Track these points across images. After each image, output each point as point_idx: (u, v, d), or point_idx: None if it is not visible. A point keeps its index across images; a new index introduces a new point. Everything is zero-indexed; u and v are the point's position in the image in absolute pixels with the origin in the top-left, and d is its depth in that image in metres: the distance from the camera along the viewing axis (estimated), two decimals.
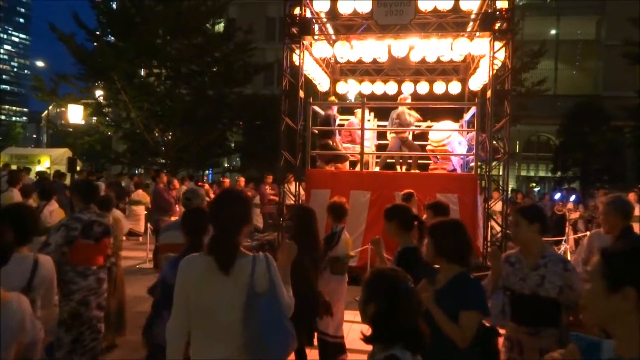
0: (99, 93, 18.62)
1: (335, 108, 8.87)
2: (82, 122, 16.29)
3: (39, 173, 15.44)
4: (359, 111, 8.62)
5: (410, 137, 9.02)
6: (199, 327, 2.10)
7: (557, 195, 11.88)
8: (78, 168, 14.45)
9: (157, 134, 17.77)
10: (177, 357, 2.15)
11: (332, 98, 9.61)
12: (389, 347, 1.76)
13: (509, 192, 10.96)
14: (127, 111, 16.89)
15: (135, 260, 9.40)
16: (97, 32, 18.04)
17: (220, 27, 20.55)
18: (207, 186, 11.38)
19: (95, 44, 18.00)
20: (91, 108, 17.42)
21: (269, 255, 2.13)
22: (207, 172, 24.72)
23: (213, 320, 2.06)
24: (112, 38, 18.28)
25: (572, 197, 11.05)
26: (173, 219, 9.73)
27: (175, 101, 17.18)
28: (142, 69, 18.03)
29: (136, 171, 21.29)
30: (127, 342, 5.00)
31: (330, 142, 8.45)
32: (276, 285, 2.07)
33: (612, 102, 20.43)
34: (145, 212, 10.96)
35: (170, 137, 18.04)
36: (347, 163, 8.78)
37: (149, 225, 9.96)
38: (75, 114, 14.85)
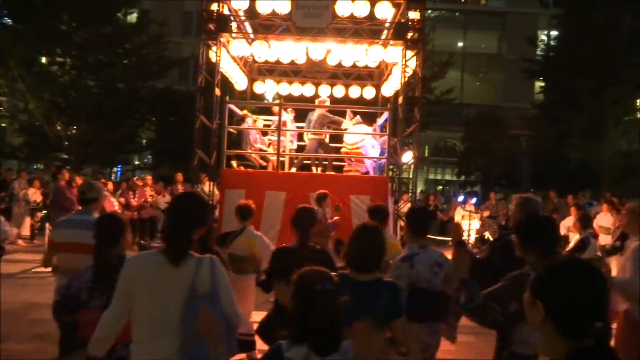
0: None
1: (249, 120, 8.82)
2: None
3: None
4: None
5: (327, 140, 9.17)
6: (143, 325, 2.13)
7: (460, 198, 12.69)
8: None
9: (59, 128, 16.54)
10: (104, 348, 2.22)
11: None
12: (296, 343, 1.78)
13: (418, 195, 11.58)
14: (25, 101, 15.59)
15: (31, 264, 8.68)
16: None
17: (133, 17, 19.60)
18: (111, 185, 10.76)
19: None
20: None
21: (215, 258, 2.17)
22: (115, 169, 23.43)
23: (156, 318, 2.09)
24: (9, 20, 16.77)
25: (474, 200, 11.85)
26: None
27: (81, 93, 16.10)
28: (44, 57, 16.73)
29: (34, 167, 19.71)
30: (16, 352, 4.60)
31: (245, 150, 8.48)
32: (219, 289, 2.10)
33: (511, 112, 22.15)
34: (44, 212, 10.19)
35: (74, 131, 16.88)
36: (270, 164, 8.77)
37: (47, 225, 9.25)
38: None
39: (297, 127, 9.61)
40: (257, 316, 4.58)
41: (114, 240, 2.81)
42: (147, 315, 2.13)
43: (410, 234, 3.29)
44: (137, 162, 22.96)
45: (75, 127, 16.87)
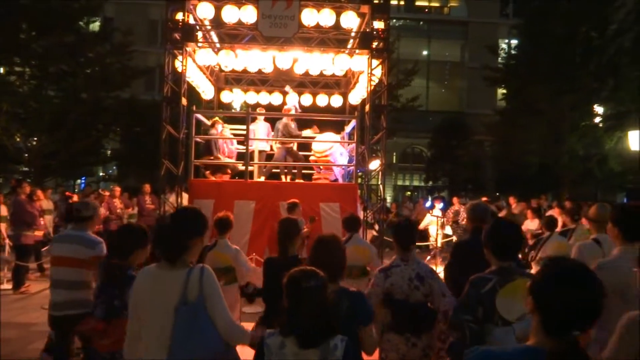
0: None
1: (219, 128, 8.78)
2: None
3: None
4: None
5: (295, 148, 9.20)
6: (145, 331, 2.24)
7: (427, 204, 12.89)
8: None
9: (18, 139, 16.02)
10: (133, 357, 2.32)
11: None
12: (281, 334, 1.91)
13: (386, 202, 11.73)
14: None
15: None
16: None
17: (95, 26, 19.22)
18: (76, 197, 10.50)
19: None
20: None
21: (207, 267, 2.27)
22: (79, 181, 22.81)
23: (153, 327, 2.19)
24: None
25: (440, 205, 12.07)
26: (37, 233, 8.83)
27: (42, 103, 15.64)
28: (1, 67, 16.18)
29: None
30: None
31: (215, 157, 8.44)
32: (207, 297, 2.19)
33: (474, 118, 22.72)
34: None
35: (35, 143, 16.37)
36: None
37: (7, 241, 8.92)
38: None
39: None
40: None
41: (121, 253, 2.91)
42: (147, 324, 2.23)
43: (395, 247, 3.37)
44: (101, 174, 22.43)
45: (35, 139, 16.37)
